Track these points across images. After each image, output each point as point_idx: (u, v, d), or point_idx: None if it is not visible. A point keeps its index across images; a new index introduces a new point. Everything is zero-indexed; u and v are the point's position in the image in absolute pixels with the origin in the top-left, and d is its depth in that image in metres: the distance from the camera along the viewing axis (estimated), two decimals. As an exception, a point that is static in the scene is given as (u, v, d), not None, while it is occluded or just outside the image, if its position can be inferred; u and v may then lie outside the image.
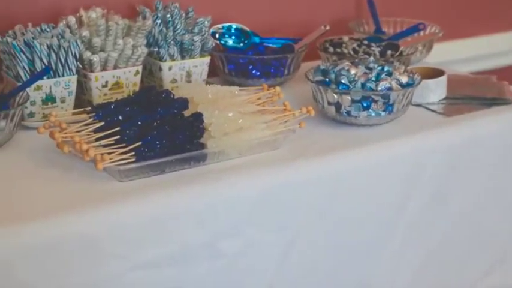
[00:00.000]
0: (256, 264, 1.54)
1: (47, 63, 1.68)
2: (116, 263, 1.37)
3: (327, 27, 2.02)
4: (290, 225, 1.57)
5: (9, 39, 1.68)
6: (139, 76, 1.81)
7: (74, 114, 1.62)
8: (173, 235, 1.42)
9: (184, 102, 1.57)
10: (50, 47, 1.69)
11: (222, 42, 2.07)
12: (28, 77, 1.67)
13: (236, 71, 2.01)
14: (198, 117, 1.53)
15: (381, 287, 1.76)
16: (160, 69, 1.85)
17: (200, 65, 1.89)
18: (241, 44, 2.09)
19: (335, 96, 1.70)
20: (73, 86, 1.73)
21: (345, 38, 2.16)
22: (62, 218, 1.33)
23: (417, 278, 1.79)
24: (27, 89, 1.64)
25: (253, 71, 2.00)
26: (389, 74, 1.75)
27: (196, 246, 1.45)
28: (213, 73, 2.00)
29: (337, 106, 1.71)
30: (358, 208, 1.65)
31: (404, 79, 1.73)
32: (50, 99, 1.70)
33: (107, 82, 1.76)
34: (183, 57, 1.87)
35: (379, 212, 1.69)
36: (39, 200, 1.39)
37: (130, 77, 1.79)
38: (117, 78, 1.78)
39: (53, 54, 1.69)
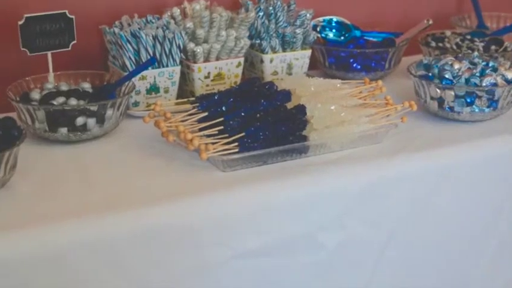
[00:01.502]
0: (356, 257, 1.54)
1: (152, 54, 1.72)
2: (218, 252, 1.39)
3: (430, 22, 2.00)
4: (390, 219, 1.56)
5: (116, 30, 1.72)
6: (241, 68, 1.83)
7: (177, 104, 1.65)
8: (274, 226, 1.43)
9: (287, 95, 1.58)
10: (155, 38, 1.72)
11: (323, 35, 2.07)
12: (133, 67, 1.71)
13: (337, 64, 2.01)
14: (300, 109, 1.54)
15: (479, 286, 1.74)
16: (262, 61, 1.86)
17: (301, 57, 1.90)
18: (342, 38, 2.09)
19: (438, 91, 1.69)
20: (176, 77, 1.76)
21: (448, 33, 2.13)
22: (166, 207, 1.36)
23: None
24: (133, 79, 1.67)
25: (354, 65, 2.00)
26: (495, 69, 1.72)
27: (297, 237, 1.46)
28: (313, 66, 2.01)
29: (440, 101, 1.70)
30: (459, 205, 1.64)
31: (510, 75, 1.70)
32: (154, 89, 1.74)
33: (209, 73, 1.79)
34: (284, 50, 1.88)
35: (479, 210, 1.67)
36: (143, 188, 1.42)
37: (232, 69, 1.81)
38: (220, 69, 1.80)
39: (158, 45, 1.72)
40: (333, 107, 1.57)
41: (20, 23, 1.64)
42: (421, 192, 1.57)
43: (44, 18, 1.67)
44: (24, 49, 1.66)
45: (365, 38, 2.09)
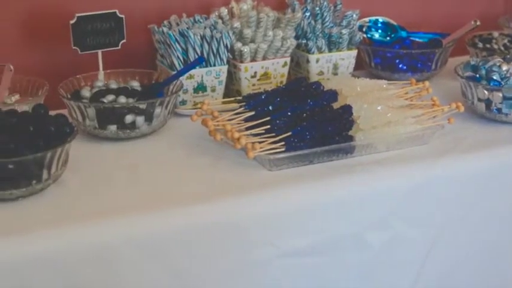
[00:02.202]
0: (403, 258, 1.54)
1: (199, 53, 1.73)
2: (264, 250, 1.40)
3: (478, 23, 2.00)
4: (436, 220, 1.56)
5: (165, 30, 1.74)
6: (287, 67, 1.84)
7: (223, 103, 1.66)
8: (320, 225, 1.44)
9: (333, 95, 1.58)
10: (203, 38, 1.74)
11: (369, 35, 2.07)
12: (182, 66, 1.73)
13: (382, 65, 2.01)
14: (347, 109, 1.54)
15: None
16: (308, 61, 1.87)
17: (347, 58, 1.90)
18: (388, 38, 2.09)
19: (486, 92, 1.68)
20: (223, 76, 1.77)
21: (495, 34, 2.12)
22: (213, 205, 1.37)
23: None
24: (181, 78, 1.69)
25: (400, 65, 2.00)
26: (543, 71, 1.71)
27: (344, 236, 1.46)
28: (359, 66, 2.01)
29: (488, 103, 1.69)
30: (506, 206, 1.63)
31: (558, 76, 1.69)
32: (201, 88, 1.76)
33: (255, 72, 1.80)
34: (330, 50, 1.89)
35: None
36: (190, 185, 1.43)
37: (278, 68, 1.82)
38: (266, 69, 1.81)
39: (206, 45, 1.74)
40: (379, 108, 1.58)
41: (72, 22, 1.68)
42: (468, 193, 1.57)
43: (95, 18, 1.69)
44: (75, 48, 1.69)
45: (411, 38, 2.09)
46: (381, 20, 2.10)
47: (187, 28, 1.74)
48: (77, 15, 1.68)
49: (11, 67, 1.54)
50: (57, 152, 1.34)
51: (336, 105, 1.57)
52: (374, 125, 1.55)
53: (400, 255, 1.54)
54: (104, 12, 1.71)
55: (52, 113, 1.45)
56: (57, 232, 1.26)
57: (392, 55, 2.01)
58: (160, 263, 1.33)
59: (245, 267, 1.40)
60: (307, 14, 1.90)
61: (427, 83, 1.72)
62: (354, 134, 1.53)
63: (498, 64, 1.71)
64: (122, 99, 1.61)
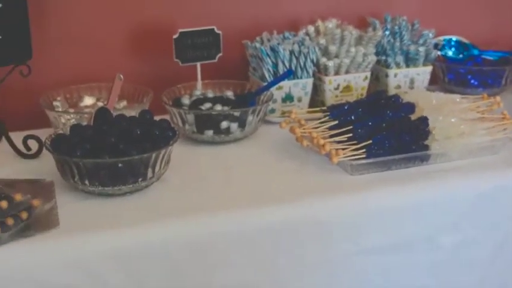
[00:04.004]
0: (470, 259, 1.51)
1: (288, 67, 1.74)
2: (345, 247, 1.39)
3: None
4: (503, 225, 1.53)
5: (257, 45, 1.75)
6: (367, 81, 1.83)
7: (309, 112, 1.66)
8: (396, 226, 1.42)
9: (411, 107, 1.57)
10: (291, 53, 1.74)
11: (443, 53, 2.05)
12: (272, 78, 1.74)
13: (455, 80, 1.98)
14: (423, 121, 1.52)
15: None
16: (387, 75, 1.85)
17: (423, 73, 1.88)
18: (460, 56, 2.06)
19: (553, 107, 1.64)
20: (309, 88, 1.77)
21: None
22: (299, 204, 1.37)
23: None
24: (271, 89, 1.70)
25: (472, 81, 1.97)
26: None
27: (417, 237, 1.44)
28: (433, 81, 1.98)
29: (555, 117, 1.65)
30: None
31: None
32: (288, 98, 1.76)
33: (338, 85, 1.79)
34: (407, 66, 1.87)
35: None
36: (278, 186, 1.43)
37: (359, 82, 1.81)
38: (348, 82, 1.80)
39: (294, 59, 1.74)
40: (453, 120, 1.56)
41: (175, 37, 1.70)
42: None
43: (195, 33, 1.72)
44: (177, 60, 1.72)
45: (482, 56, 2.05)
46: (454, 39, 2.07)
47: (277, 44, 1.75)
48: (180, 30, 1.70)
49: (121, 76, 1.56)
50: (161, 154, 1.36)
51: (413, 117, 1.55)
52: (448, 135, 1.53)
53: (468, 257, 1.51)
54: (203, 28, 1.73)
55: (156, 118, 1.47)
56: (159, 224, 1.28)
57: (464, 71, 1.98)
58: (248, 256, 1.34)
59: (326, 262, 1.39)
60: (387, 32, 1.89)
61: (498, 98, 1.69)
62: (430, 143, 1.51)
63: None
64: (218, 107, 1.63)
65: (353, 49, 1.78)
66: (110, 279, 1.24)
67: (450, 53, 2.06)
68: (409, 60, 1.87)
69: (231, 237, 1.32)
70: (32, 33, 1.56)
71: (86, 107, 1.71)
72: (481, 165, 1.53)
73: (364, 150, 1.46)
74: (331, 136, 1.52)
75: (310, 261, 1.38)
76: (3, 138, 1.59)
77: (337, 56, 1.79)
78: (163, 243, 1.27)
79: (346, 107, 1.59)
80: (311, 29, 1.85)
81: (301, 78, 1.76)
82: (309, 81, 1.77)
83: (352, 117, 1.55)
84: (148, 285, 1.27)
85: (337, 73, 1.79)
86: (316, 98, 1.83)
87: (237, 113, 1.60)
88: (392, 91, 1.84)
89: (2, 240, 1.19)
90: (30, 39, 1.56)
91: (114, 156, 1.32)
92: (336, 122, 1.55)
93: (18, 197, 1.25)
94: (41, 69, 1.63)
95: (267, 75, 1.74)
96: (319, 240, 1.37)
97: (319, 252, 1.38)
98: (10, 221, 1.21)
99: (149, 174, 1.36)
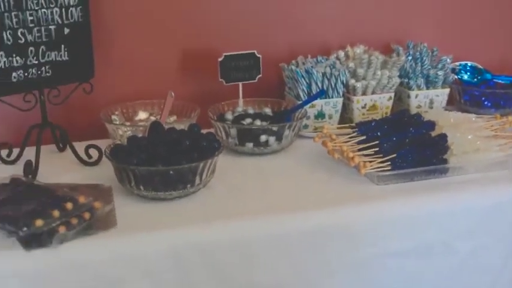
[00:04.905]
0: (484, 263, 1.49)
1: (321, 87, 1.73)
2: (370, 250, 1.38)
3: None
4: (514, 234, 1.51)
5: (293, 67, 1.76)
6: (391, 101, 1.82)
7: (339, 128, 1.65)
8: (417, 232, 1.41)
9: (431, 124, 1.56)
10: (324, 74, 1.74)
11: (459, 77, 2.02)
12: (306, 97, 1.74)
13: (470, 102, 1.96)
14: (443, 137, 1.51)
15: None
16: (409, 96, 1.84)
17: (441, 94, 1.86)
18: (475, 79, 2.03)
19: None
20: (339, 106, 1.77)
21: None
22: (330, 211, 1.37)
23: None
24: (305, 107, 1.70)
25: (485, 102, 1.95)
26: None
27: (435, 243, 1.43)
28: (450, 102, 1.96)
29: (563, 135, 1.63)
30: None
31: None
32: (320, 115, 1.75)
33: (365, 104, 1.79)
34: (427, 88, 1.86)
35: None
36: (311, 194, 1.43)
37: (384, 101, 1.80)
38: (374, 101, 1.79)
39: (326, 80, 1.74)
40: (469, 137, 1.54)
41: (220, 59, 1.71)
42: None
43: (238, 57, 1.73)
44: (221, 80, 1.73)
45: (495, 80, 2.03)
46: (469, 64, 2.05)
47: (311, 66, 1.75)
48: (224, 54, 1.71)
49: (173, 94, 1.57)
50: (208, 163, 1.37)
51: (433, 134, 1.54)
52: (465, 151, 1.52)
53: (482, 261, 1.49)
54: (245, 52, 1.74)
55: (203, 131, 1.47)
56: (205, 226, 1.29)
57: (479, 93, 1.96)
58: (284, 257, 1.33)
59: (353, 263, 1.38)
60: (409, 57, 1.88)
61: (510, 118, 1.67)
62: (448, 158, 1.50)
63: None
64: (258, 122, 1.64)
65: (379, 72, 1.78)
66: (161, 274, 1.25)
67: (466, 77, 2.04)
68: (429, 83, 1.85)
69: (269, 240, 1.31)
70: (95, 56, 1.59)
71: (140, 120, 1.72)
72: (495, 178, 1.51)
73: (389, 162, 1.45)
74: (359, 150, 1.51)
75: (339, 262, 1.38)
76: (68, 148, 1.61)
77: (364, 78, 1.78)
78: (208, 243, 1.27)
79: (373, 124, 1.58)
80: (341, 53, 1.85)
81: (332, 97, 1.75)
82: (339, 100, 1.76)
83: (379, 133, 1.55)
84: (194, 281, 1.28)
85: (364, 93, 1.78)
86: (345, 116, 1.82)
87: (274, 128, 1.60)
88: (413, 110, 1.83)
89: (67, 237, 1.20)
90: (93, 61, 1.59)
91: (166, 165, 1.33)
92: (364, 137, 1.54)
93: (81, 199, 1.27)
94: (102, 87, 1.66)
95: (301, 94, 1.74)
96: (347, 244, 1.36)
97: (348, 254, 1.37)
98: (74, 221, 1.22)
99: (197, 181, 1.37)
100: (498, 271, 1.52)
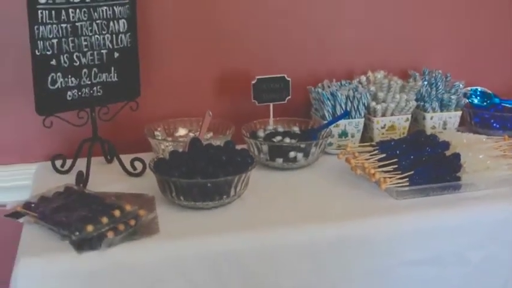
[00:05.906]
0: (494, 272, 1.45)
1: (344, 109, 1.71)
2: (389, 259, 1.36)
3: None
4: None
5: (319, 90, 1.74)
6: (408, 122, 1.79)
7: (361, 146, 1.63)
8: (432, 243, 1.38)
9: (446, 144, 1.53)
10: (347, 97, 1.72)
11: (470, 100, 1.99)
12: (331, 117, 1.71)
13: (480, 124, 1.93)
14: (456, 156, 1.48)
15: None
16: (424, 118, 1.81)
17: (454, 117, 1.83)
18: (485, 103, 2.00)
19: None
20: (361, 126, 1.74)
21: None
22: (352, 222, 1.35)
23: None
24: (330, 126, 1.68)
25: (494, 124, 1.91)
26: None
27: (449, 253, 1.40)
28: (461, 123, 1.92)
29: None
30: None
31: None
32: (344, 134, 1.73)
33: (385, 125, 1.76)
34: (441, 110, 1.82)
35: None
36: (335, 207, 1.41)
37: (401, 122, 1.77)
38: (393, 122, 1.76)
39: (349, 102, 1.72)
40: (480, 156, 1.51)
41: (253, 82, 1.70)
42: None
43: (269, 80, 1.71)
44: (254, 100, 1.71)
45: (503, 104, 1.99)
46: (479, 89, 2.01)
47: (336, 90, 1.73)
48: (257, 77, 1.70)
49: (210, 113, 1.56)
50: (242, 176, 1.36)
51: (447, 153, 1.51)
52: (476, 169, 1.49)
53: (491, 270, 1.45)
54: (276, 76, 1.72)
55: (237, 147, 1.46)
56: (239, 234, 1.27)
57: (488, 116, 1.92)
58: (310, 264, 1.31)
59: (372, 271, 1.35)
60: (425, 83, 1.85)
61: (517, 139, 1.64)
62: (461, 175, 1.47)
63: None
64: (287, 140, 1.62)
65: (397, 96, 1.75)
66: (198, 278, 1.24)
67: (476, 101, 2.00)
68: (443, 106, 1.82)
69: (297, 248, 1.30)
70: (141, 77, 1.58)
71: (180, 136, 1.71)
72: (504, 194, 1.48)
73: (407, 179, 1.43)
74: (380, 166, 1.48)
75: (359, 270, 1.35)
76: (115, 160, 1.60)
77: (384, 101, 1.76)
78: (240, 249, 1.25)
79: (392, 143, 1.56)
80: (363, 78, 1.82)
81: (354, 118, 1.73)
82: (361, 121, 1.74)
83: (397, 152, 1.52)
84: (226, 284, 1.26)
85: (383, 115, 1.76)
86: (366, 135, 1.79)
87: (302, 145, 1.59)
88: (428, 131, 1.79)
89: (114, 242, 1.19)
90: (139, 82, 1.58)
91: (204, 178, 1.32)
92: (384, 155, 1.52)
93: (128, 207, 1.26)
94: (146, 106, 1.65)
95: (327, 115, 1.72)
96: (367, 253, 1.34)
97: (367, 262, 1.35)
98: (121, 227, 1.22)
99: (232, 192, 1.36)
100: (507, 278, 1.47)
